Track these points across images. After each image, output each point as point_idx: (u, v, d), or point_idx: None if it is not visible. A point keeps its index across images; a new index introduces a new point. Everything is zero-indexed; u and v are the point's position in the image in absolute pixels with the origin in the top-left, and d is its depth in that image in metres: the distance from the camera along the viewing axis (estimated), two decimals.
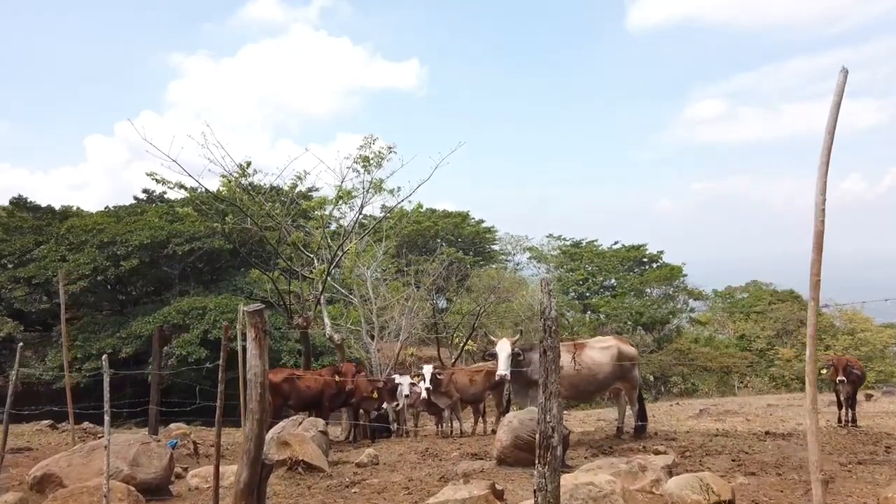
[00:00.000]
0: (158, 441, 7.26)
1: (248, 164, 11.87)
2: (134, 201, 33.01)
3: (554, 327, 4.86)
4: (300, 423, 9.00)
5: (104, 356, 5.64)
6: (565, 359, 9.37)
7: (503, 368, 9.05)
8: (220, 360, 5.22)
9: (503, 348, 9.15)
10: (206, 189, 11.87)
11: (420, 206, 13.98)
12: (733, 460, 8.08)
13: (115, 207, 31.05)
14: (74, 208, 32.45)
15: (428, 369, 11.21)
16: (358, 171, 13.14)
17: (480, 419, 12.50)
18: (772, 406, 18.10)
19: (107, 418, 5.55)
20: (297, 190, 13.80)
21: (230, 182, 11.93)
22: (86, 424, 12.18)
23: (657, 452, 7.91)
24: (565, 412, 10.14)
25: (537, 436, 4.82)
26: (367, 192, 13.63)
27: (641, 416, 9.74)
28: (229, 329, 5.62)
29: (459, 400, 11.61)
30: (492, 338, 9.51)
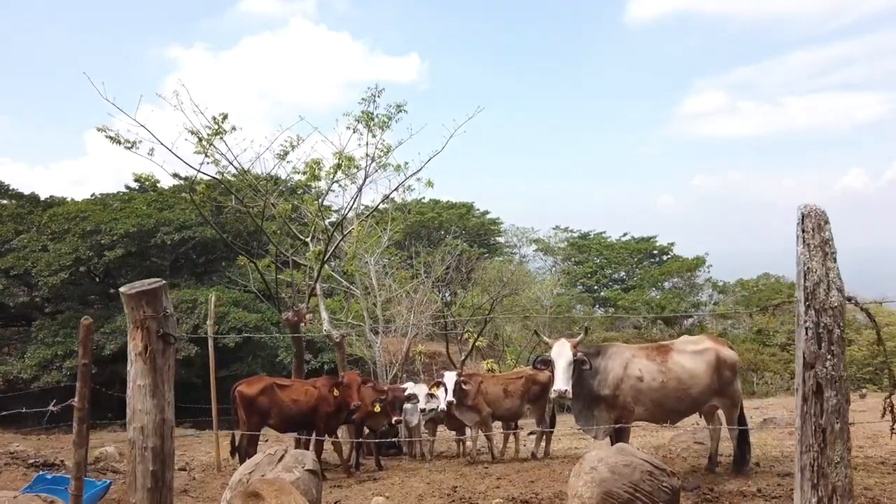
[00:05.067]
0: (52, 502, 4.42)
1: (224, 116, 8.97)
2: (126, 190, 30.06)
3: (838, 329, 2.06)
4: (280, 459, 6.14)
5: None
6: (647, 367, 6.54)
7: (562, 382, 6.20)
8: (76, 397, 2.38)
9: (561, 353, 6.30)
10: (173, 153, 8.94)
11: (431, 183, 11.05)
12: None
13: (101, 195, 28.10)
14: (69, 199, 29.53)
15: (450, 377, 8.34)
16: (360, 132, 10.25)
17: (512, 437, 9.60)
18: None
19: None
20: (289, 161, 10.84)
21: (201, 141, 9.02)
22: (15, 447, 9.27)
23: None
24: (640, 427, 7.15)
25: None
26: (372, 162, 10.76)
27: (744, 443, 6.89)
28: (90, 335, 2.77)
29: (491, 415, 8.72)
30: (544, 338, 6.64)
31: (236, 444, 8.09)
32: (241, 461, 7.72)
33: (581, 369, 6.33)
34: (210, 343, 9.15)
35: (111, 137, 8.95)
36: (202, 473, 8.85)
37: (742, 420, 6.91)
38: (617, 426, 6.49)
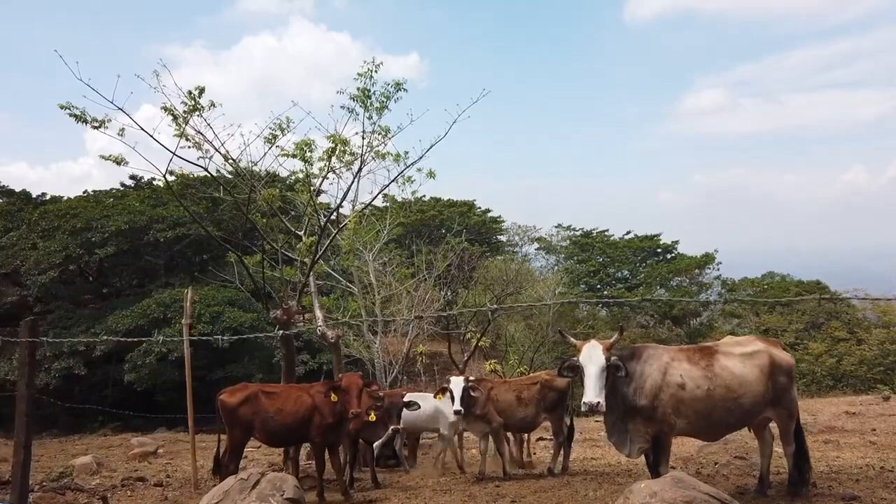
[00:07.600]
0: None
1: (201, 91, 7.87)
2: (121, 188, 28.96)
3: None
4: (255, 485, 5.06)
5: None
6: (689, 373, 5.44)
7: (593, 393, 5.11)
8: None
9: (592, 357, 5.20)
10: (146, 132, 7.85)
11: (432, 173, 9.97)
12: None
13: (94, 192, 27.01)
14: (64, 198, 28.47)
15: (457, 383, 7.23)
16: (356, 112, 9.17)
17: (525, 447, 8.50)
18: (854, 415, 14.19)
19: None
20: (278, 146, 9.71)
21: (177, 119, 7.93)
22: None
23: None
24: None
25: None
26: (370, 149, 9.68)
27: (801, 461, 5.79)
28: None
29: (503, 426, 7.61)
30: (570, 339, 5.54)
31: (219, 459, 7.01)
32: (223, 479, 6.64)
33: (615, 376, 5.25)
34: (186, 343, 8.10)
35: (76, 116, 7.89)
36: (178, 491, 7.76)
37: (799, 433, 5.82)
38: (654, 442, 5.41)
